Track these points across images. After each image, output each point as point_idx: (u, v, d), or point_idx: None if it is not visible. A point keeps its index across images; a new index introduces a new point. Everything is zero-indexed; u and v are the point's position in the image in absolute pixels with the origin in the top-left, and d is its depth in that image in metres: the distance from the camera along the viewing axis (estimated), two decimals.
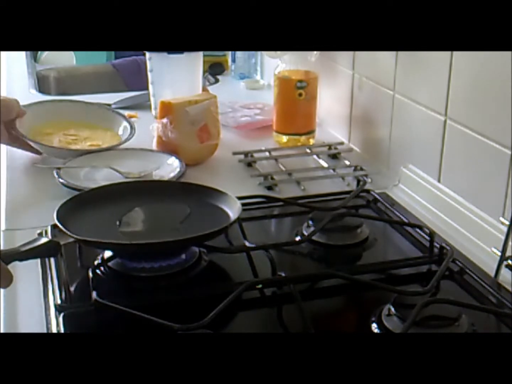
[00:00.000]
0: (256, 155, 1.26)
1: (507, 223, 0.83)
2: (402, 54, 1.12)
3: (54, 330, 0.73)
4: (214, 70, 1.80)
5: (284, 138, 1.34)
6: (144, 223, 0.90)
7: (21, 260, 0.77)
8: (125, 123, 1.31)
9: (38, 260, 0.86)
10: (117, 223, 0.87)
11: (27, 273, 0.83)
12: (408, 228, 0.96)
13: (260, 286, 0.81)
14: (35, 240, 0.80)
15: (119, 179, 1.11)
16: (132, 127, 1.29)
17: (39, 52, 1.95)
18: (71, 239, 0.81)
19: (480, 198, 0.94)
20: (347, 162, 1.23)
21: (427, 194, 1.05)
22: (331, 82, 1.39)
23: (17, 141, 1.22)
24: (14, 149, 1.26)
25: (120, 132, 1.30)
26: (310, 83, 1.30)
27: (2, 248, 0.88)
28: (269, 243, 0.89)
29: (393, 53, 1.14)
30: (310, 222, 0.94)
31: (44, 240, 0.79)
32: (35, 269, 0.85)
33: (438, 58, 1.01)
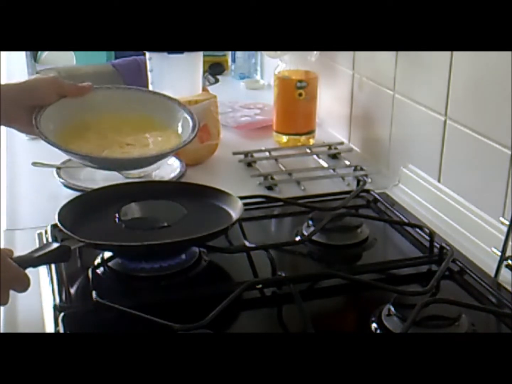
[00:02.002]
0: (256, 155, 1.26)
1: (507, 223, 0.83)
2: (402, 54, 1.12)
3: (54, 330, 0.73)
4: (214, 70, 1.80)
5: (284, 138, 1.34)
6: (145, 224, 0.90)
7: (35, 266, 0.77)
8: (184, 114, 1.02)
9: None
10: (119, 224, 0.87)
11: (26, 273, 0.83)
12: (408, 228, 0.96)
13: (260, 286, 0.81)
14: (46, 246, 0.79)
15: (119, 179, 1.11)
16: (193, 119, 1.01)
17: (39, 52, 1.95)
18: (81, 244, 0.80)
19: (480, 198, 0.94)
20: (347, 162, 1.23)
21: (427, 194, 1.05)
22: (331, 82, 1.39)
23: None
24: (14, 148, 1.26)
25: (180, 128, 1.02)
26: (310, 83, 1.30)
27: (2, 247, 0.88)
28: (269, 243, 0.89)
29: (393, 53, 1.14)
30: (310, 222, 0.94)
31: (55, 245, 0.79)
32: (35, 269, 0.85)
33: (438, 58, 1.01)
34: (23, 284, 0.72)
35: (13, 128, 0.92)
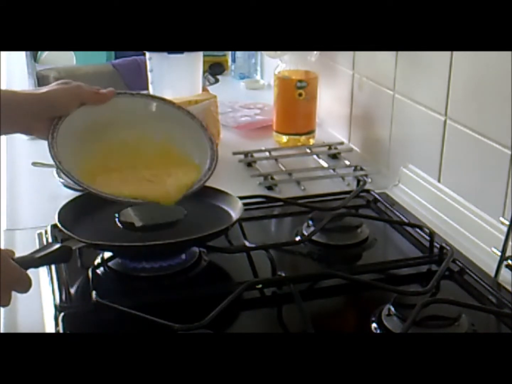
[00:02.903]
0: (256, 155, 1.26)
1: (507, 223, 0.83)
2: (402, 54, 1.12)
3: (54, 330, 0.73)
4: (214, 70, 1.80)
5: (284, 138, 1.34)
6: (145, 223, 0.90)
7: (36, 267, 0.77)
8: (204, 140, 0.91)
9: None
10: (118, 224, 0.87)
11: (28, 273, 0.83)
12: (408, 228, 0.96)
13: (260, 286, 0.81)
14: (47, 246, 0.79)
15: None
16: (212, 149, 0.90)
17: (39, 52, 1.95)
18: (81, 244, 0.80)
19: (480, 198, 0.94)
20: (347, 162, 1.23)
21: (427, 194, 1.05)
22: (331, 82, 1.39)
23: None
24: (14, 148, 1.25)
25: (198, 156, 0.90)
26: (310, 83, 1.30)
27: (2, 247, 0.88)
28: (269, 243, 0.89)
29: (393, 53, 1.14)
30: (310, 222, 0.94)
31: (56, 246, 0.78)
32: (35, 269, 0.85)
33: (438, 58, 1.01)
34: (25, 285, 0.72)
35: (34, 136, 0.90)
